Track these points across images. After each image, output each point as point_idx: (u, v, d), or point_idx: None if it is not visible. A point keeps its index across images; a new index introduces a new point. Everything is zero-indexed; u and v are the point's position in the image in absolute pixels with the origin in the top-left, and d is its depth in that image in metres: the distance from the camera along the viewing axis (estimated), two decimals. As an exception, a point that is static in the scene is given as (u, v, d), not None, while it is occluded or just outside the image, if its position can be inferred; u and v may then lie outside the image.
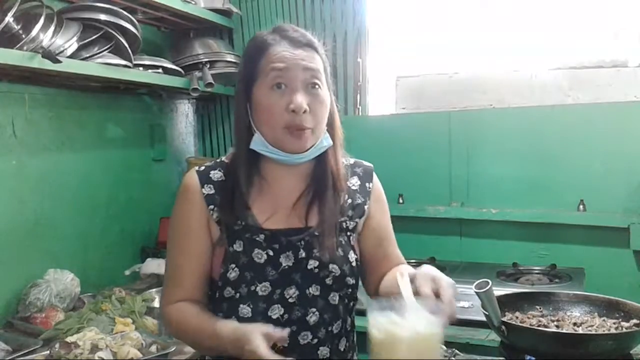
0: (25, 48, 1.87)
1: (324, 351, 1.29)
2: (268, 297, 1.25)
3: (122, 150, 2.76)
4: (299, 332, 1.26)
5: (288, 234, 1.28)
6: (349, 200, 1.36)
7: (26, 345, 1.86)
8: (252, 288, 1.25)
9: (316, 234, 1.28)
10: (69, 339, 1.81)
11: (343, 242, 1.32)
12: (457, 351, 1.48)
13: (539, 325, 1.47)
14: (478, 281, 1.40)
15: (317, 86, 1.26)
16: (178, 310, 1.29)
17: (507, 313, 1.55)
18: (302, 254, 1.28)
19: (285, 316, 1.25)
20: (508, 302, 1.59)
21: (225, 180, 1.31)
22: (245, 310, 1.25)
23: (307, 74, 1.25)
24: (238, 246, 1.27)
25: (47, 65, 1.91)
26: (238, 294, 1.26)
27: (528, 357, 1.37)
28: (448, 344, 1.53)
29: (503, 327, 1.41)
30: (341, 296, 1.31)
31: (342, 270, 1.29)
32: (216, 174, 1.33)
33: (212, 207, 1.29)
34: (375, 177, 1.43)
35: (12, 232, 2.21)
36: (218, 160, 1.37)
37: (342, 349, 1.34)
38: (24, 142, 2.26)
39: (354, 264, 1.33)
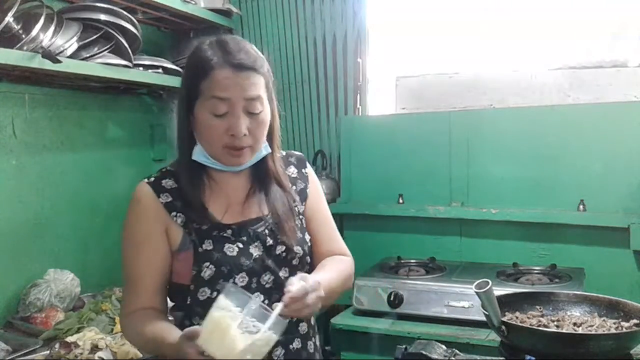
0: (25, 48, 1.87)
1: (303, 327, 1.43)
2: (247, 287, 1.31)
3: (122, 150, 2.76)
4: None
5: (251, 224, 1.37)
6: (294, 187, 1.47)
7: (26, 345, 1.87)
8: (231, 281, 1.30)
9: (275, 221, 1.38)
10: (69, 339, 1.82)
11: (299, 225, 1.43)
12: (457, 351, 1.48)
13: (539, 325, 1.47)
14: (478, 281, 1.41)
15: (257, 110, 1.32)
16: (135, 321, 1.34)
17: (507, 313, 1.55)
18: (270, 241, 1.37)
19: (266, 301, 1.31)
20: (508, 302, 1.59)
21: (179, 187, 1.37)
22: None
23: (248, 102, 1.31)
24: (208, 245, 1.33)
25: (47, 65, 1.91)
26: (215, 292, 1.29)
27: (528, 357, 1.37)
28: (448, 344, 1.53)
29: (503, 327, 1.41)
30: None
31: (303, 250, 1.41)
32: (168, 183, 1.38)
33: (174, 213, 1.34)
34: (307, 163, 1.54)
35: (12, 232, 2.21)
36: (164, 170, 1.42)
37: (313, 323, 1.49)
38: (23, 142, 2.26)
39: (309, 244, 1.45)
